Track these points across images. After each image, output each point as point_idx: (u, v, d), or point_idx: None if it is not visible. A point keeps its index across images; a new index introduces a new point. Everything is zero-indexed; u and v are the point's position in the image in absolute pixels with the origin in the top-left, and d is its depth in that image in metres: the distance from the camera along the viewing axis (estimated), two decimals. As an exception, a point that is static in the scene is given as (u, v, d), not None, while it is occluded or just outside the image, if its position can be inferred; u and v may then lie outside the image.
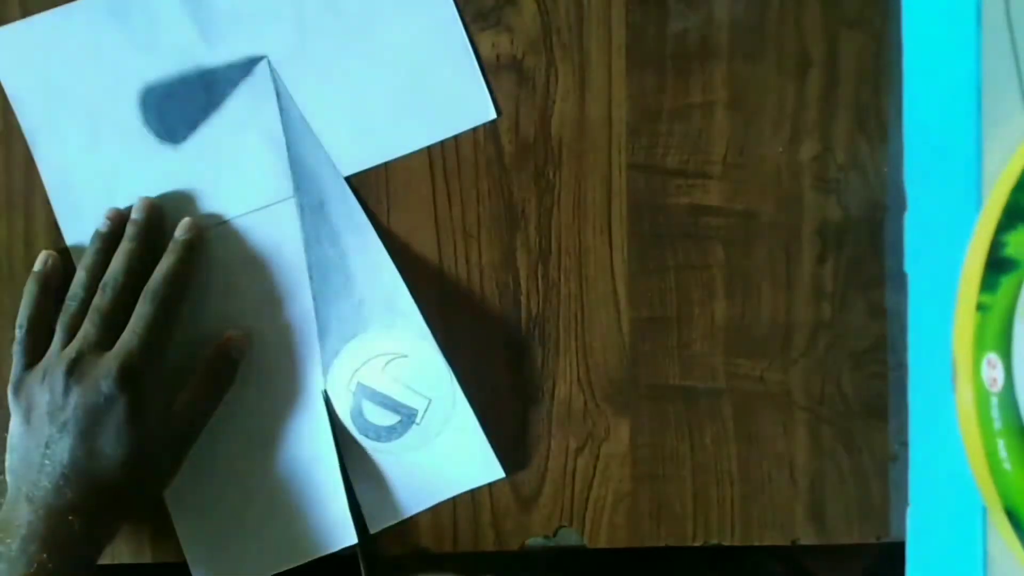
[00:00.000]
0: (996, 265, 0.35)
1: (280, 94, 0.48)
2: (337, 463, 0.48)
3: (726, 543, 0.49)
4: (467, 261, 0.49)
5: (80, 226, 0.48)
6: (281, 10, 0.48)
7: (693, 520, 0.49)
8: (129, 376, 0.43)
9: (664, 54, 0.48)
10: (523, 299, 0.49)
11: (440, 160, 0.48)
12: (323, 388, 0.48)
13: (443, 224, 0.49)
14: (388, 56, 0.48)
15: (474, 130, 0.48)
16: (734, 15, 0.48)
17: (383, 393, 0.48)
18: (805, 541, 0.49)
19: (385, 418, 0.49)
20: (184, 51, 0.48)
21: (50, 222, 0.49)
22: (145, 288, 0.45)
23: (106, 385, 0.43)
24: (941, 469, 0.40)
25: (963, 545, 0.38)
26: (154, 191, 0.48)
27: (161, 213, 0.48)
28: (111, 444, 0.43)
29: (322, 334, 0.48)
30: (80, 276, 0.46)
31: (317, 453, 0.48)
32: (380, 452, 0.49)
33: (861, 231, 0.48)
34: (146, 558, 0.49)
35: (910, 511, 0.43)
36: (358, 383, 0.48)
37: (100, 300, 0.45)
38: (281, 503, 0.48)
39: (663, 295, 0.48)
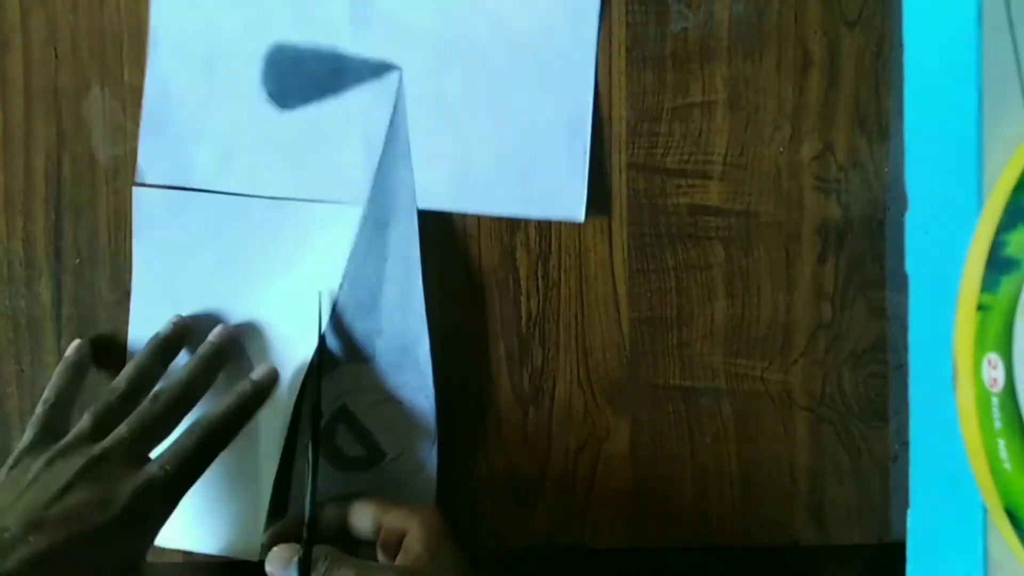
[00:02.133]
0: (997, 265, 0.35)
1: (397, 108, 0.47)
2: (272, 477, 0.46)
3: (726, 544, 0.49)
4: (467, 261, 0.49)
5: (156, 142, 0.48)
6: (435, 30, 0.47)
7: (693, 520, 0.49)
8: (144, 509, 0.40)
9: (664, 54, 0.48)
10: (523, 299, 0.49)
11: (440, 160, 0.48)
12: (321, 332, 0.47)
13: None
14: (513, 117, 0.47)
15: (474, 130, 0.48)
16: (734, 15, 0.47)
17: (362, 425, 0.48)
18: (805, 541, 0.49)
19: (353, 448, 0.48)
20: (329, 28, 0.47)
21: (49, 222, 0.49)
22: (198, 422, 0.43)
23: (114, 508, 0.39)
24: (942, 469, 0.40)
25: (964, 546, 0.38)
26: (243, 142, 0.48)
27: (239, 345, 0.47)
28: (89, 567, 0.39)
29: (326, 346, 0.48)
30: (129, 372, 0.45)
31: (266, 456, 0.47)
32: (338, 477, 0.48)
33: (862, 231, 0.48)
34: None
35: (911, 511, 0.43)
36: (342, 405, 0.48)
37: (149, 408, 0.43)
38: (222, 486, 0.47)
39: (663, 295, 0.48)
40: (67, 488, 0.39)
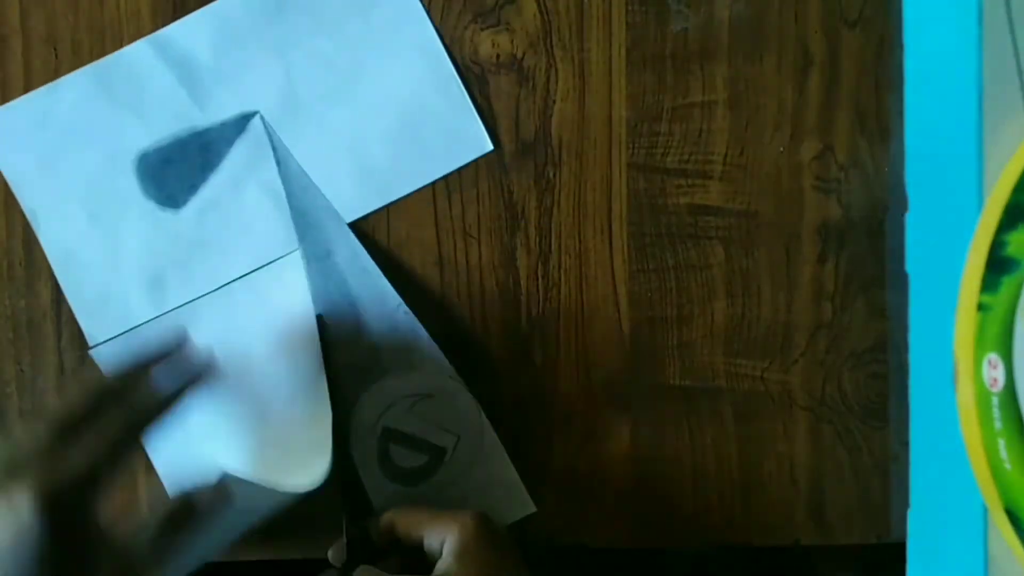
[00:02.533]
0: (997, 265, 0.35)
1: (276, 147, 0.48)
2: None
3: (726, 544, 0.49)
4: (467, 261, 0.49)
5: (87, 303, 0.48)
6: (268, 65, 0.48)
7: (693, 520, 0.49)
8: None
9: (664, 54, 0.48)
10: (523, 299, 0.49)
11: (440, 160, 0.48)
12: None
13: (443, 224, 0.49)
14: (380, 99, 0.48)
15: (474, 130, 0.48)
16: (734, 14, 0.47)
17: (410, 434, 0.48)
18: (805, 541, 0.49)
19: (413, 459, 0.48)
20: (176, 115, 0.48)
21: (49, 222, 0.49)
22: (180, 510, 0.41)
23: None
24: (942, 469, 0.40)
25: (964, 545, 0.38)
26: (160, 258, 0.48)
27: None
28: None
29: (336, 383, 0.48)
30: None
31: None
32: (411, 496, 0.48)
33: (862, 231, 0.48)
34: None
35: (911, 511, 0.43)
36: (383, 427, 0.48)
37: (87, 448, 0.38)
38: None
39: (663, 295, 0.48)
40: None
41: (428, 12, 0.47)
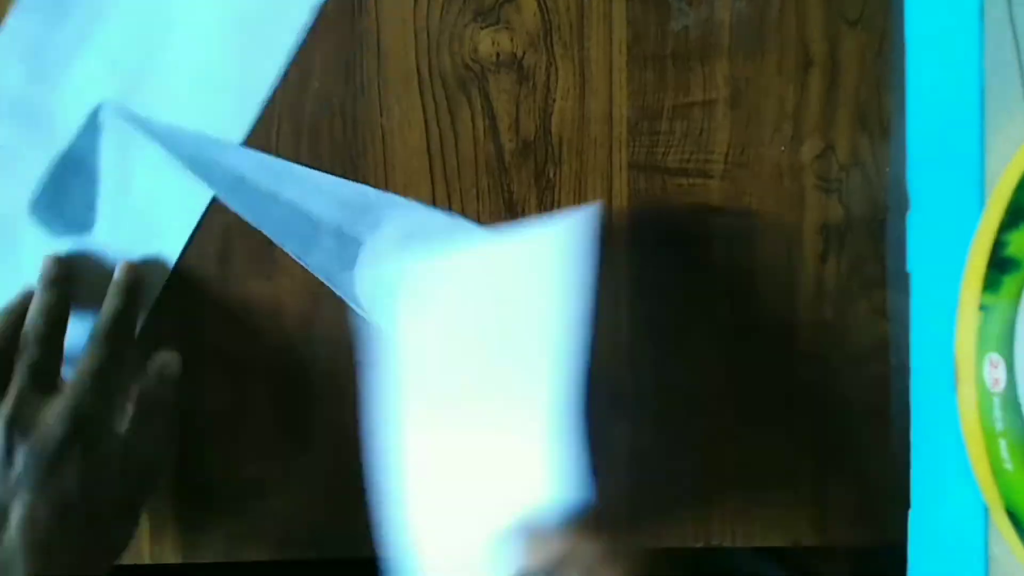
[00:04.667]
0: (998, 265, 0.35)
1: (137, 121, 0.47)
2: None
3: (727, 544, 0.49)
4: (467, 260, 0.49)
5: None
6: (82, 57, 0.47)
7: (693, 521, 0.49)
8: (80, 418, 0.42)
9: (665, 52, 0.48)
10: (523, 298, 0.49)
11: (440, 159, 0.48)
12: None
13: (443, 223, 0.49)
14: (198, 21, 0.47)
15: (474, 129, 0.48)
16: (735, 13, 0.47)
17: None
18: (806, 542, 0.49)
19: None
20: (34, 149, 0.47)
21: (48, 221, 0.49)
22: (92, 331, 0.45)
23: (59, 429, 0.41)
24: (943, 470, 0.40)
25: (965, 546, 0.38)
26: (99, 274, 0.47)
27: (71, 264, 0.47)
28: (74, 493, 0.41)
29: (336, 283, 0.47)
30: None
31: None
32: None
33: (863, 231, 0.48)
34: (144, 559, 0.49)
35: (911, 512, 0.43)
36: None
37: (25, 350, 0.43)
38: None
39: (663, 295, 0.48)
40: (9, 451, 0.41)
41: (428, 11, 0.47)
